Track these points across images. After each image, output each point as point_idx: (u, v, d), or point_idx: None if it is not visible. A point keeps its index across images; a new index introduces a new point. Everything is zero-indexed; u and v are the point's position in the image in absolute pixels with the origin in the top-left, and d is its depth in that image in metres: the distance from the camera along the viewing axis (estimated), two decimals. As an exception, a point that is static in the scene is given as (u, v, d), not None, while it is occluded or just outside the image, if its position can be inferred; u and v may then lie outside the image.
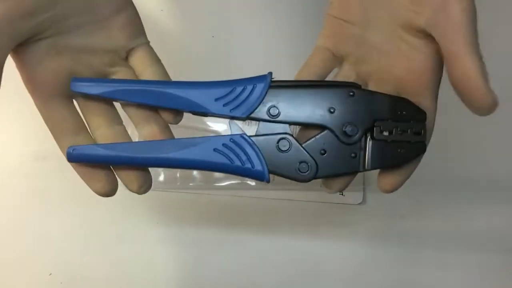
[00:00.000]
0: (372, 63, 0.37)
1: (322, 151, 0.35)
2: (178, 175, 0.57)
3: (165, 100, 0.35)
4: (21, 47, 0.33)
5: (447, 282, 0.54)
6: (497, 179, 0.57)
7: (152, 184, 0.52)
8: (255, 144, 0.35)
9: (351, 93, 0.35)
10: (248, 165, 0.35)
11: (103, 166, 0.36)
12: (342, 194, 0.56)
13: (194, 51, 0.61)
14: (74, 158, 0.35)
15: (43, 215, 0.57)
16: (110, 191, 0.36)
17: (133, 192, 0.37)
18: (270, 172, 0.35)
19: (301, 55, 0.60)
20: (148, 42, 0.39)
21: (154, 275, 0.55)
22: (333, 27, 0.38)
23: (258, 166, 0.35)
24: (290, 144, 0.35)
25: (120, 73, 0.37)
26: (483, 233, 0.55)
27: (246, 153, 0.35)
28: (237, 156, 0.35)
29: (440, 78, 0.36)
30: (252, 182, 0.56)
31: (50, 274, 0.55)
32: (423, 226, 0.56)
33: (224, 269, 0.55)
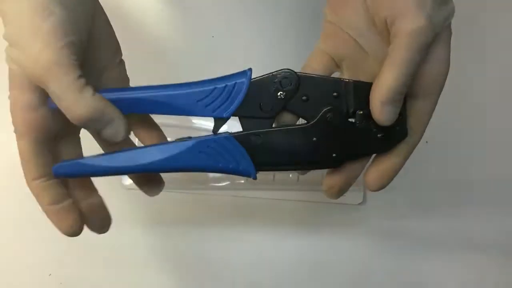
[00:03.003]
0: (368, 69, 0.37)
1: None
2: (177, 176, 0.57)
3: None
4: None
5: (448, 281, 0.54)
6: (497, 179, 0.57)
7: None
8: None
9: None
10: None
11: (70, 208, 0.36)
12: (342, 194, 0.56)
13: (194, 51, 0.61)
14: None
15: (43, 215, 0.57)
16: (76, 231, 0.36)
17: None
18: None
19: (301, 54, 0.60)
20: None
21: (154, 275, 0.55)
22: (330, 31, 0.38)
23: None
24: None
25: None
26: (483, 233, 0.55)
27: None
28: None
29: (439, 83, 0.36)
30: (252, 183, 0.56)
31: (50, 274, 0.55)
32: (423, 226, 0.56)
33: (224, 269, 0.55)
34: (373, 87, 0.34)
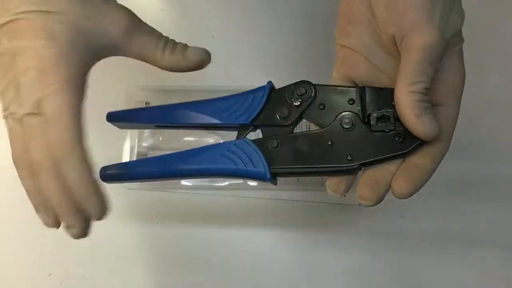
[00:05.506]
0: (385, 86, 0.37)
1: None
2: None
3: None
4: None
5: (447, 282, 0.54)
6: (497, 178, 0.57)
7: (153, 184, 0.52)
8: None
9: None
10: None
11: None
12: (342, 194, 0.56)
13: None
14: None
15: (43, 215, 0.57)
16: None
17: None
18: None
19: (301, 55, 0.60)
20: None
21: (154, 275, 0.55)
22: (341, 55, 0.39)
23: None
24: None
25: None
26: (484, 233, 0.55)
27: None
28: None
29: (457, 89, 0.36)
30: (252, 182, 0.56)
31: (50, 274, 0.55)
32: (423, 226, 0.56)
33: (223, 269, 0.55)
34: (396, 106, 0.34)
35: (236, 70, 0.60)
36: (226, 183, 0.57)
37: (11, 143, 0.34)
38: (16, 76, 0.32)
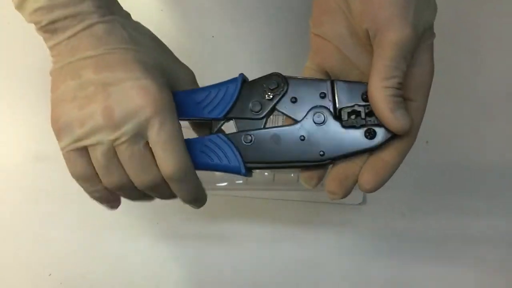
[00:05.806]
0: (357, 78, 0.38)
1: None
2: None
3: None
4: None
5: (448, 280, 0.54)
6: (498, 178, 0.57)
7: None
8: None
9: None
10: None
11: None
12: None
13: (194, 51, 0.61)
14: None
15: (43, 215, 0.57)
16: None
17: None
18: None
19: (301, 54, 0.60)
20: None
21: (154, 275, 0.55)
22: (316, 45, 0.39)
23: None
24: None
25: None
26: (484, 232, 0.55)
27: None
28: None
29: (426, 83, 0.36)
30: (251, 183, 0.56)
31: (50, 274, 0.55)
32: (424, 224, 0.56)
33: (224, 269, 0.55)
34: (370, 101, 0.35)
35: (236, 69, 0.60)
36: (226, 183, 0.57)
37: (105, 170, 0.35)
38: (110, 105, 0.33)
